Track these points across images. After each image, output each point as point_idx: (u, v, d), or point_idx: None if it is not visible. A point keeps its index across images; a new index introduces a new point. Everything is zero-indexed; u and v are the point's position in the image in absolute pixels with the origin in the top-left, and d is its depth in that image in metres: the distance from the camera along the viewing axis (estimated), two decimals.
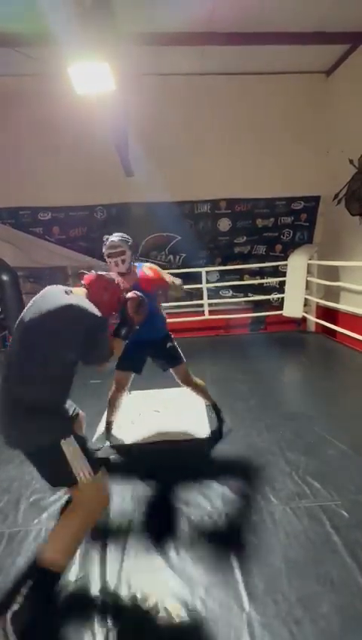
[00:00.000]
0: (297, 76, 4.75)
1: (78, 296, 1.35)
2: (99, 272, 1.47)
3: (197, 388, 2.33)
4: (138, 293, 1.56)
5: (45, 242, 5.12)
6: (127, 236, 1.96)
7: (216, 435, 2.28)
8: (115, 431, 2.35)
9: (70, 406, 1.53)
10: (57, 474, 1.28)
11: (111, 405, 2.27)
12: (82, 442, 1.32)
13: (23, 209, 5.04)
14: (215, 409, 2.40)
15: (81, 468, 1.26)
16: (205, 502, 1.70)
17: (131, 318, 1.54)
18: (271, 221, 5.24)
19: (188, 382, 2.28)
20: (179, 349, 2.22)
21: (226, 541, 1.48)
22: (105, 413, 2.33)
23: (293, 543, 1.46)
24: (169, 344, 2.17)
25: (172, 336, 2.22)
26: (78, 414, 1.65)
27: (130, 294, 1.54)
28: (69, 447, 1.25)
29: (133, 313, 1.54)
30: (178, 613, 1.19)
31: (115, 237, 1.92)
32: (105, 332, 1.39)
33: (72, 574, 1.35)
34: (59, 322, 1.26)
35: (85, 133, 4.51)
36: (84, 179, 4.84)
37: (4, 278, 4.40)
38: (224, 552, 1.42)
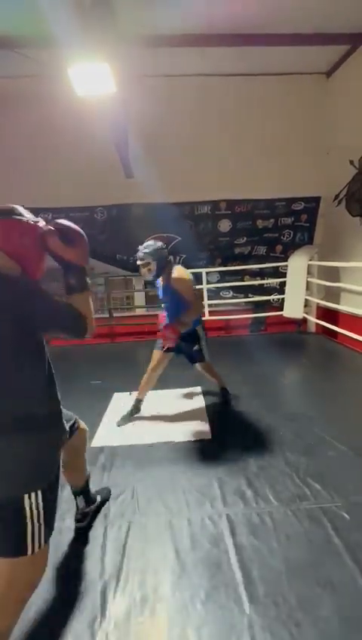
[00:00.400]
0: (297, 77, 4.75)
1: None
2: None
3: (214, 375, 2.66)
4: (59, 222, 1.09)
5: None
6: (153, 246, 2.14)
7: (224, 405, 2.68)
8: (113, 432, 2.36)
9: (63, 423, 1.12)
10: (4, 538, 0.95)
11: (144, 383, 2.50)
12: (52, 498, 1.02)
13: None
14: (223, 391, 2.72)
15: (34, 538, 0.95)
16: (205, 503, 1.70)
17: (62, 256, 1.07)
18: (271, 222, 5.24)
19: (208, 370, 2.62)
20: (205, 351, 2.47)
21: (226, 543, 1.47)
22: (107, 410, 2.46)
23: (294, 545, 1.45)
24: (196, 347, 2.41)
25: (203, 336, 2.43)
26: (77, 426, 1.37)
27: (45, 228, 1.05)
28: (33, 506, 0.94)
29: (61, 248, 1.06)
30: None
31: (141, 250, 2.14)
32: (39, 294, 0.99)
33: (70, 575, 1.35)
34: None
35: (85, 135, 4.51)
36: (85, 180, 4.85)
37: None
38: (224, 554, 1.42)
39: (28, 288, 0.97)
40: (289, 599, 1.23)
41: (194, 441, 2.25)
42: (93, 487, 1.71)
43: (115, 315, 5.34)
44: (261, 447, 2.14)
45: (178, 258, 5.30)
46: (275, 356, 3.94)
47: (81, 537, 1.53)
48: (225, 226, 5.25)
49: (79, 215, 5.10)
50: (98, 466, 2.02)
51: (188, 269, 5.38)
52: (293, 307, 4.83)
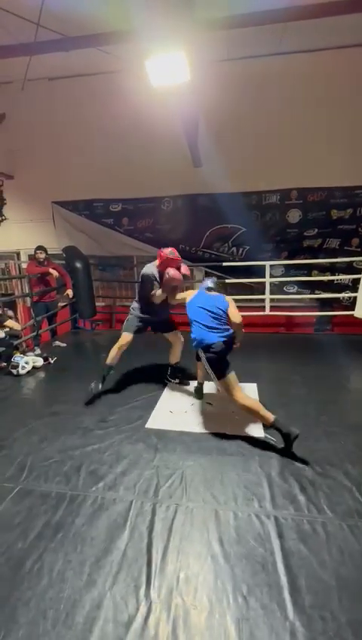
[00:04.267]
0: None
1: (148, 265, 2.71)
2: (172, 256, 2.59)
3: (244, 408, 2.12)
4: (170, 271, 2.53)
5: (115, 233, 5.43)
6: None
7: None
8: (167, 417, 2.45)
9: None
10: None
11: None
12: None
13: (97, 201, 5.40)
14: (276, 428, 2.02)
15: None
16: (253, 500, 1.67)
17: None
18: (348, 212, 4.77)
19: (229, 395, 2.17)
20: (223, 364, 2.14)
21: (273, 544, 1.43)
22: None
23: (348, 561, 1.35)
24: (208, 355, 2.18)
25: (219, 348, 2.16)
26: (174, 329, 2.97)
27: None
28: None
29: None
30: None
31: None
32: (147, 283, 2.64)
33: (121, 542, 1.46)
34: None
35: (156, 126, 4.61)
36: (154, 171, 4.98)
37: (78, 265, 4.80)
38: (270, 555, 1.39)
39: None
40: (339, 617, 1.16)
41: (245, 436, 2.21)
42: (140, 468, 1.94)
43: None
44: (317, 455, 2.01)
45: (241, 250, 5.16)
46: (341, 359, 3.63)
47: (132, 509, 1.63)
48: (294, 216, 4.93)
49: (147, 206, 5.27)
50: (150, 446, 2.12)
51: (251, 261, 5.19)
52: None
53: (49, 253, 4.29)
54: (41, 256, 4.11)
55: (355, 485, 1.75)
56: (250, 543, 1.45)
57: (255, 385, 2.94)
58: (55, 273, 4.15)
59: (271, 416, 2.03)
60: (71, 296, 4.44)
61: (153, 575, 1.32)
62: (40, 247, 4.14)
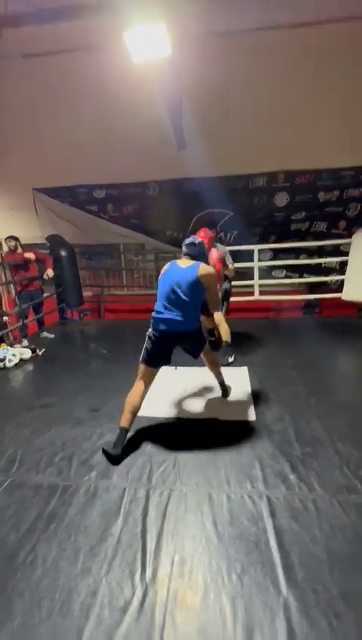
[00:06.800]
0: None
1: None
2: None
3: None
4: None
5: (100, 220, 5.28)
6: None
7: None
8: (159, 403, 2.43)
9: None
10: None
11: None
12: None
13: (80, 187, 5.22)
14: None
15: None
16: (246, 482, 1.69)
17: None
18: (335, 194, 4.75)
19: None
20: (145, 346, 2.08)
21: (266, 523, 1.45)
22: None
23: (338, 536, 1.39)
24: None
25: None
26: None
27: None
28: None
29: None
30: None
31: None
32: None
33: (116, 528, 1.45)
34: None
35: (138, 108, 4.43)
36: (138, 155, 4.81)
37: (63, 253, 4.67)
38: (263, 534, 1.41)
39: None
40: (331, 589, 1.19)
41: (237, 420, 2.23)
42: (132, 455, 1.92)
43: None
44: (308, 434, 2.04)
45: (229, 235, 5.11)
46: (330, 341, 3.68)
47: (126, 496, 1.63)
48: (281, 199, 4.88)
49: (132, 191, 5.13)
50: (143, 433, 2.12)
51: (239, 245, 5.15)
52: (354, 289, 4.40)
53: (33, 242, 4.16)
54: (11, 244, 3.99)
55: (345, 463, 1.78)
56: (243, 523, 1.46)
57: (246, 368, 2.95)
58: (32, 256, 4.03)
59: (124, 423, 1.94)
60: (51, 275, 4.27)
61: (148, 559, 1.32)
62: (10, 237, 4.01)
